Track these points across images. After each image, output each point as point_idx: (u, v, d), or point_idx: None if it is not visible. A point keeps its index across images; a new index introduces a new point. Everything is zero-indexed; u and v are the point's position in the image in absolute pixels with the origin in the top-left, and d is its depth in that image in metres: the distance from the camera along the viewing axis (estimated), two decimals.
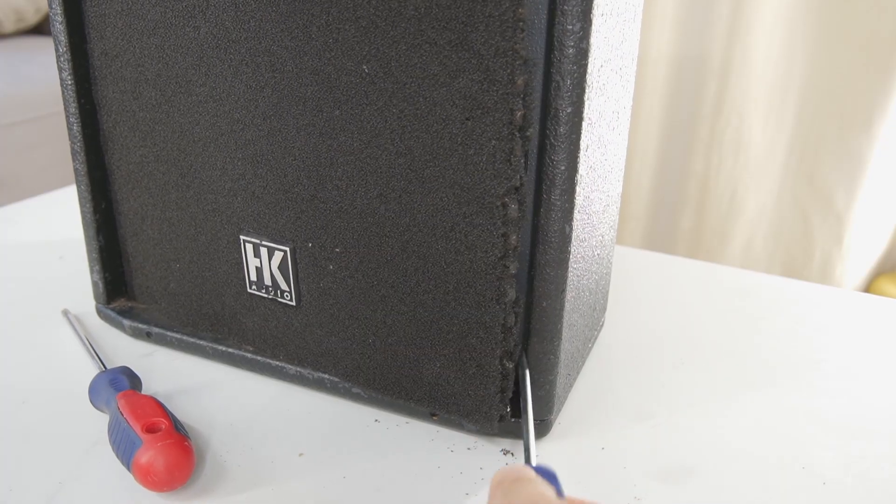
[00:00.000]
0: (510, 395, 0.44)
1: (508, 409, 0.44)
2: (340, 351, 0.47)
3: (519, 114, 0.35)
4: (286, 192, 0.44)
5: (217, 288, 0.51)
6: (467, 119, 0.36)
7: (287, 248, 0.45)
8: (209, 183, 0.47)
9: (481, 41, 0.34)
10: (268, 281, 0.47)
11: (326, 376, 0.49)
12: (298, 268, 0.46)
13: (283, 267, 0.46)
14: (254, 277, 0.48)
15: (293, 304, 0.47)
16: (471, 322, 0.41)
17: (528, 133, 0.36)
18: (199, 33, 0.43)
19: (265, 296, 0.48)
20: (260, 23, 0.40)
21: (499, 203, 0.37)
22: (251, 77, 0.42)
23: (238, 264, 0.49)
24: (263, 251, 0.47)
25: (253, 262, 0.48)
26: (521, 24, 0.33)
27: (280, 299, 0.48)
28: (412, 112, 0.37)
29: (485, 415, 0.44)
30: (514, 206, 0.38)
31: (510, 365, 0.42)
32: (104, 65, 0.49)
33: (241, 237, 0.47)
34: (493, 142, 0.36)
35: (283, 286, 0.47)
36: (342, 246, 0.43)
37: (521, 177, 0.37)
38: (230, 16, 0.41)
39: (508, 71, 0.34)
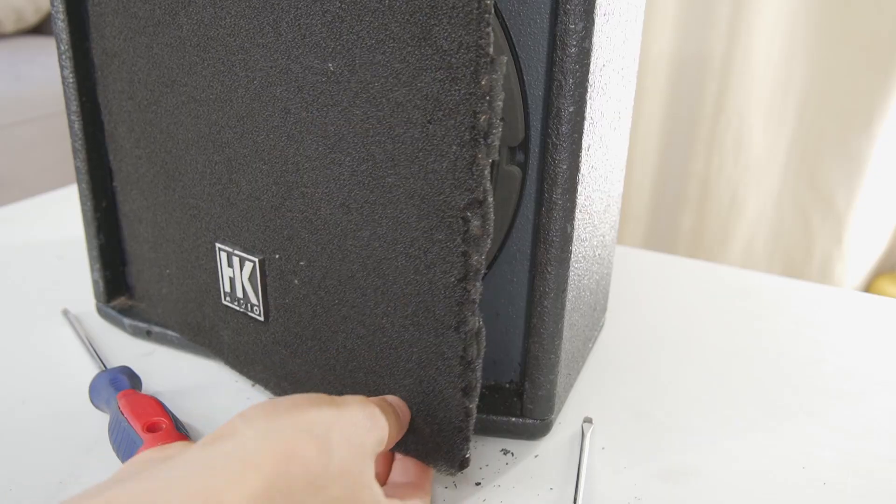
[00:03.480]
0: (470, 435, 0.39)
1: (468, 455, 0.39)
2: (302, 374, 0.44)
3: (483, 117, 0.32)
4: (257, 199, 0.42)
5: (199, 296, 0.49)
6: (429, 122, 0.34)
7: (256, 259, 0.44)
8: (190, 187, 0.46)
9: (444, 35, 0.32)
10: (240, 293, 0.46)
11: None
12: (267, 280, 0.44)
13: (252, 279, 0.44)
14: (227, 288, 0.46)
15: (261, 319, 0.45)
16: (429, 352, 0.37)
17: (491, 140, 0.33)
18: (182, 31, 0.43)
19: (238, 308, 0.46)
20: (235, 19, 0.40)
21: (459, 217, 0.34)
22: (226, 76, 0.41)
23: (215, 274, 0.47)
24: (236, 261, 0.45)
25: (227, 272, 0.46)
26: (486, 16, 0.31)
27: (250, 313, 0.46)
28: (375, 114, 0.36)
29: (444, 456, 0.39)
30: (476, 223, 0.34)
31: (470, 404, 0.37)
32: (104, 63, 0.49)
33: (217, 245, 0.46)
34: (455, 147, 0.33)
35: (253, 299, 0.45)
36: (307, 259, 0.41)
37: (484, 189, 0.33)
38: (210, 13, 0.41)
39: (472, 68, 0.32)
